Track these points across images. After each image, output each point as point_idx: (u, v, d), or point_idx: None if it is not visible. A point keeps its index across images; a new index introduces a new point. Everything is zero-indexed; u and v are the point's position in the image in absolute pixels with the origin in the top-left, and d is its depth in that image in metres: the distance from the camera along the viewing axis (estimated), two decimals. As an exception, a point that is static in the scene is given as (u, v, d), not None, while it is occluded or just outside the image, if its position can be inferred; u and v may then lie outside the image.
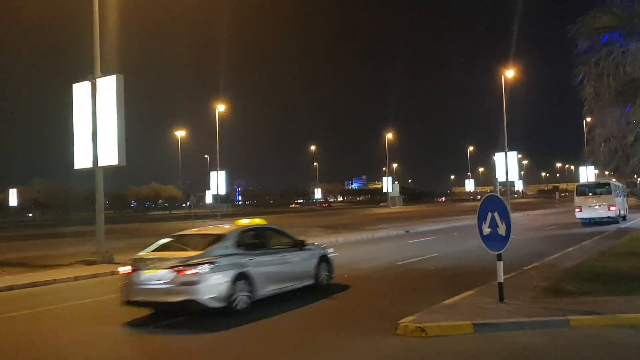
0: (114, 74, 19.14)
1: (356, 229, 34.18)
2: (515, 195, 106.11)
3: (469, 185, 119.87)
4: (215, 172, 62.48)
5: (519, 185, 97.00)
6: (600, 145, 20.09)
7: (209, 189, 74.23)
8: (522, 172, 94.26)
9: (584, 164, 72.03)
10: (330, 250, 13.57)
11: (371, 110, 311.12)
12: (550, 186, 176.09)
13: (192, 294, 9.34)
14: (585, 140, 69.64)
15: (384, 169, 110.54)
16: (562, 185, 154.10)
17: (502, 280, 9.72)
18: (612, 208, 30.62)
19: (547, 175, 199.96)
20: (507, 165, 59.64)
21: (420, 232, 31.14)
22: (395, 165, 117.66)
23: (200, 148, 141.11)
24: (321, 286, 12.33)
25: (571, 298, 9.81)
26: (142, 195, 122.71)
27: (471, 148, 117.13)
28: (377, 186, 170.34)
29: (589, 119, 70.61)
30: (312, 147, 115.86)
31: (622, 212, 32.37)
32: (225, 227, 11.72)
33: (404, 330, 8.28)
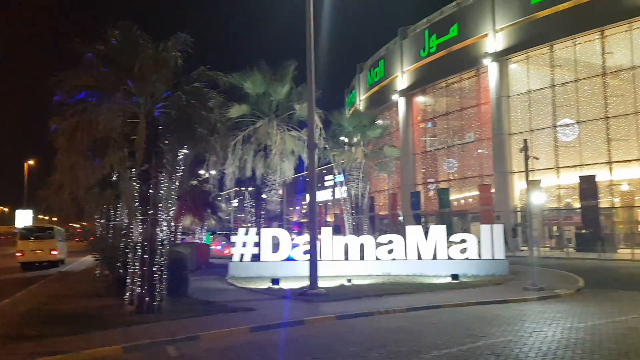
0: None
1: None
2: None
3: None
4: None
5: None
6: (56, 191, 20.95)
7: None
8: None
9: (23, 207, 71.05)
10: None
11: None
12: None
13: None
14: (25, 184, 69.06)
15: None
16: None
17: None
18: (54, 252, 31.53)
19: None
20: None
21: None
22: None
23: None
24: None
25: (35, 342, 9.91)
26: None
27: None
28: None
29: (31, 162, 70.09)
30: None
31: (62, 256, 33.67)
32: None
33: None
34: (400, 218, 47.81)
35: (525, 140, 17.75)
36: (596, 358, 8.44)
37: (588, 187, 31.76)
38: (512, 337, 9.87)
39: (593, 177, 32.17)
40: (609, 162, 33.37)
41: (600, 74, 34.18)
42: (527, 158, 16.87)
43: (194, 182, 30.93)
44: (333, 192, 76.55)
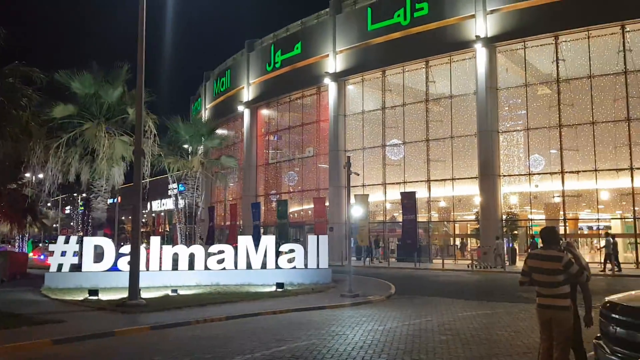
0: None
1: None
2: None
3: None
4: None
5: None
6: None
7: None
8: None
9: None
10: None
11: None
12: None
13: None
14: None
15: None
16: None
17: None
18: None
19: None
20: None
21: None
22: None
23: None
24: None
25: None
26: None
27: None
28: None
29: None
30: None
31: None
32: None
33: None
34: (241, 229, 48.09)
35: (348, 157, 19.11)
36: (384, 357, 9.40)
37: (408, 202, 34.77)
38: (315, 341, 10.58)
39: (413, 193, 35.31)
40: (428, 181, 36.90)
41: (424, 100, 37.75)
42: (349, 174, 18.17)
43: (13, 186, 28.35)
44: (176, 200, 74.24)
